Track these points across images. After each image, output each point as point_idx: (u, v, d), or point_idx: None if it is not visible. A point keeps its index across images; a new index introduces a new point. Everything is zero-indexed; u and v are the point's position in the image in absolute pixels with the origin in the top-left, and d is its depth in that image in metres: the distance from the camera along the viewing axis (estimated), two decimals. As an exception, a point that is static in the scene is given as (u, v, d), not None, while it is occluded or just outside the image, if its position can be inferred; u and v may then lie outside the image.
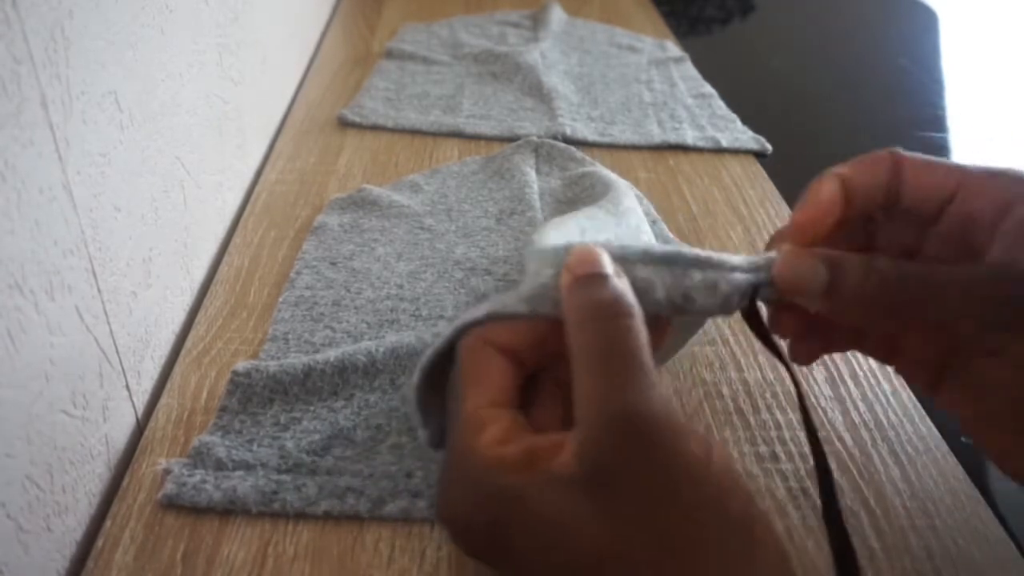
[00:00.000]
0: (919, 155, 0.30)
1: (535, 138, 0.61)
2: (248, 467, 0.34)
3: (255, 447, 0.35)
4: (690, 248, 0.30)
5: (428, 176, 0.57)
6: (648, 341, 0.26)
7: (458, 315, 0.43)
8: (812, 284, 0.28)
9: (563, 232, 0.39)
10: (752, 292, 0.29)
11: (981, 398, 0.29)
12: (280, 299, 0.44)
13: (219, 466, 0.34)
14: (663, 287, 0.28)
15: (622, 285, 0.27)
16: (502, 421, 0.27)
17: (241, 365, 0.38)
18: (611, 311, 0.26)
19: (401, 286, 0.45)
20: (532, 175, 0.57)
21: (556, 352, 0.28)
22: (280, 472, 0.34)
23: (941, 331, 0.29)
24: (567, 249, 0.29)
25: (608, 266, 0.27)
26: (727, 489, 0.23)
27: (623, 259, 0.29)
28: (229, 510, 0.32)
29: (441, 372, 0.30)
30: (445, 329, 0.30)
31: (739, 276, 0.29)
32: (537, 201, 0.54)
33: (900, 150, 0.30)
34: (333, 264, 0.47)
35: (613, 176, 0.54)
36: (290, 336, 0.42)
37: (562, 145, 0.61)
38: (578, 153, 0.60)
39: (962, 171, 0.29)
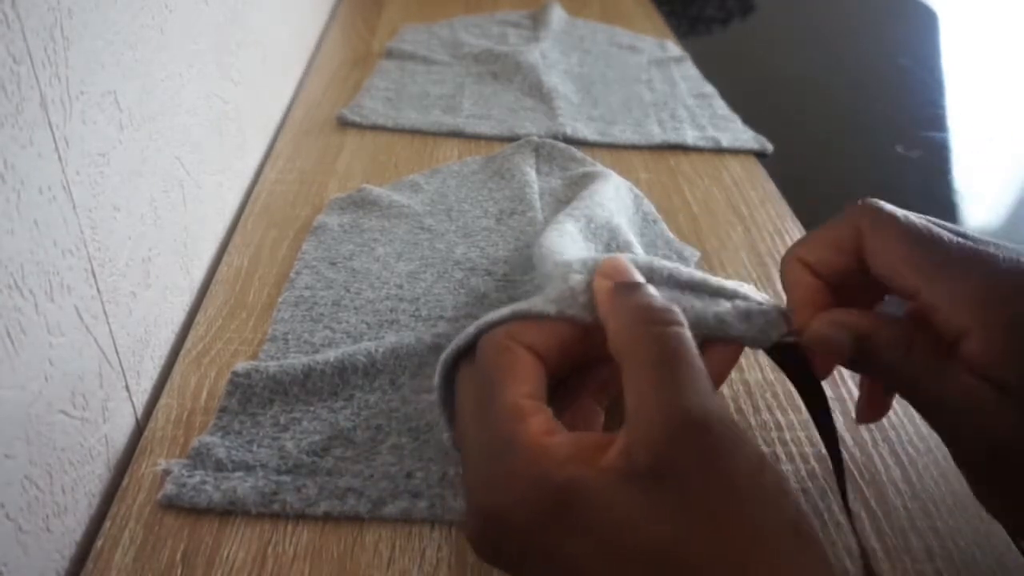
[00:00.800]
0: (891, 227, 0.28)
1: (535, 138, 0.61)
2: (248, 468, 0.34)
3: (255, 448, 0.35)
4: (715, 278, 0.30)
5: (428, 176, 0.57)
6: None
7: (457, 315, 0.43)
8: (839, 348, 0.29)
9: (569, 239, 0.39)
10: (787, 325, 0.30)
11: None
12: (280, 299, 0.44)
13: (219, 467, 0.34)
14: (690, 310, 0.29)
15: (659, 299, 0.27)
16: (544, 412, 0.26)
17: (241, 366, 0.38)
18: (664, 318, 0.26)
19: (401, 286, 0.45)
20: (532, 175, 0.57)
21: (578, 358, 0.28)
22: (280, 473, 0.34)
23: None
24: (595, 259, 0.29)
25: (642, 278, 0.28)
26: (780, 493, 0.24)
27: (649, 277, 0.29)
28: (229, 511, 0.32)
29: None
30: (467, 328, 0.30)
31: (767, 308, 0.30)
32: (537, 201, 0.54)
33: (868, 213, 0.29)
34: (333, 264, 0.47)
35: (612, 175, 0.54)
36: (289, 336, 0.41)
37: (562, 145, 0.60)
38: (578, 153, 0.60)
39: (923, 271, 0.27)
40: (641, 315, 0.26)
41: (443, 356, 0.30)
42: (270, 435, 0.35)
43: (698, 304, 0.29)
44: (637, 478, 0.23)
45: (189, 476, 0.33)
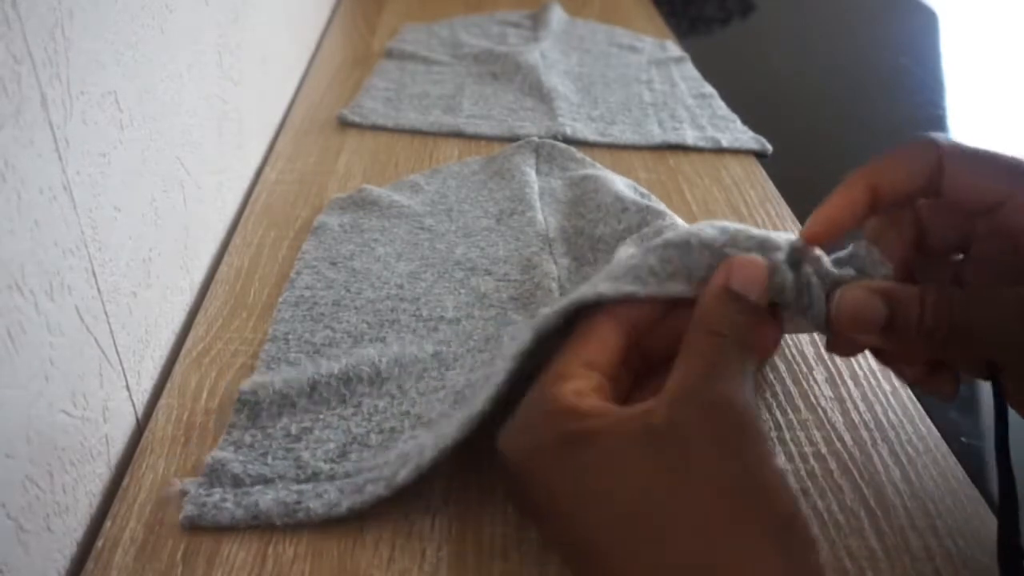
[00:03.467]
0: (967, 149, 0.29)
1: (535, 138, 0.61)
2: (266, 481, 0.33)
3: (270, 460, 0.34)
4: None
5: (428, 176, 0.57)
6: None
7: (458, 315, 0.43)
8: (871, 322, 0.29)
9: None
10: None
11: None
12: (280, 299, 0.44)
13: (236, 482, 0.33)
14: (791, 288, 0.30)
15: (760, 314, 0.29)
16: (588, 379, 0.28)
17: (247, 384, 0.37)
18: (743, 339, 0.28)
19: (401, 286, 0.45)
20: (532, 175, 0.57)
21: (669, 332, 0.30)
22: (299, 482, 0.33)
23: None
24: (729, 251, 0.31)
25: (761, 293, 0.29)
26: (780, 486, 0.25)
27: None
28: (253, 525, 0.32)
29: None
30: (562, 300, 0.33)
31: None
32: (537, 201, 0.54)
33: (943, 141, 0.29)
34: (333, 264, 0.47)
35: (614, 177, 0.54)
36: (290, 336, 0.41)
37: (562, 145, 0.60)
38: (578, 154, 0.60)
39: (1012, 177, 0.28)
40: (726, 326, 0.28)
41: (537, 323, 0.32)
42: (283, 447, 0.35)
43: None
44: (645, 434, 0.25)
45: (208, 495, 0.32)
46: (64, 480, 0.30)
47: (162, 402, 0.38)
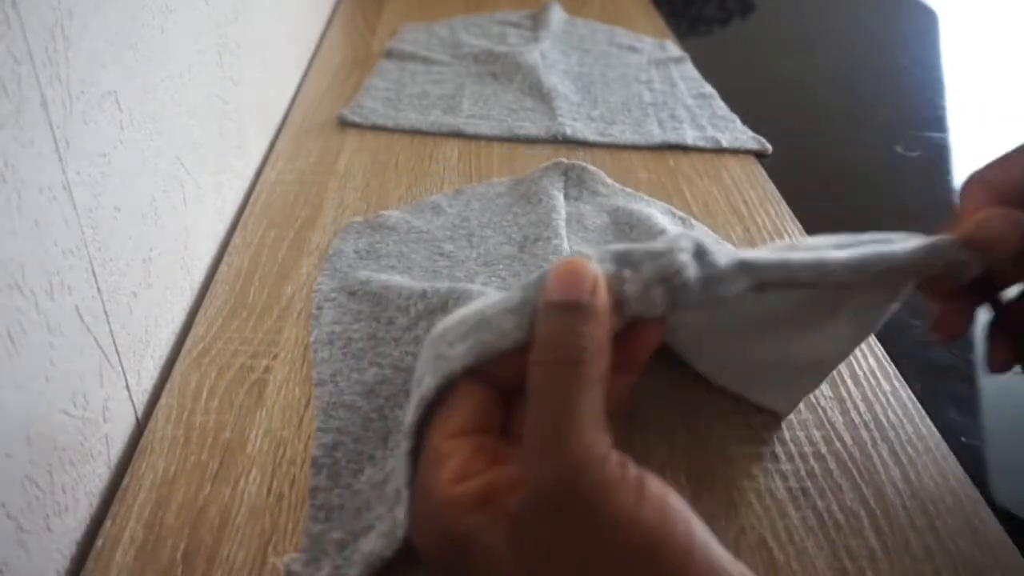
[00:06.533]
0: None
1: (564, 160, 0.58)
2: (368, 528, 0.31)
3: (365, 513, 0.32)
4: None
5: (451, 197, 0.55)
6: (604, 386, 0.26)
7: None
8: (1010, 241, 0.29)
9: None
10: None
11: None
12: (312, 339, 0.42)
13: (342, 545, 0.31)
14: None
15: (596, 321, 0.26)
16: (462, 453, 0.27)
17: (318, 446, 0.36)
18: (571, 356, 0.25)
19: (430, 312, 0.42)
20: (560, 200, 0.54)
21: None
22: (392, 509, 0.31)
23: None
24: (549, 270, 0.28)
25: (591, 287, 0.26)
26: (653, 543, 0.23)
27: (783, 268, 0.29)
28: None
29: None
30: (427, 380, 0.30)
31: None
32: (563, 228, 0.51)
33: None
34: (352, 295, 0.45)
35: (651, 211, 0.52)
36: (338, 378, 0.39)
37: (593, 169, 0.58)
38: (608, 179, 0.58)
39: None
40: (550, 349, 0.26)
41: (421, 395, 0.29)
42: (374, 496, 0.33)
43: (847, 253, 0.30)
44: (519, 525, 0.24)
45: (317, 570, 0.30)
46: (64, 480, 0.30)
47: (162, 402, 0.38)
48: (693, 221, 0.53)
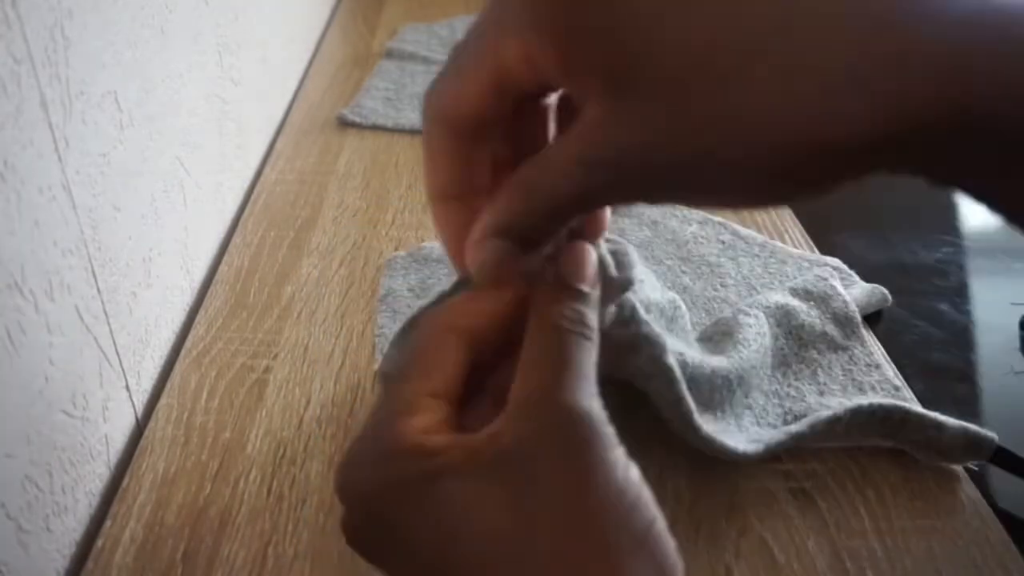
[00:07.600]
0: None
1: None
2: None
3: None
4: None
5: None
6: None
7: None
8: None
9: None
10: None
11: None
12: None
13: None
14: None
15: (593, 304, 0.28)
16: (436, 413, 0.27)
17: None
18: (583, 330, 0.26)
19: None
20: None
21: (513, 339, 0.28)
22: None
23: None
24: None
25: (592, 281, 0.28)
26: (634, 503, 0.23)
27: None
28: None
29: None
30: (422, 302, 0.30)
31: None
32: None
33: None
34: None
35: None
36: None
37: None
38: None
39: None
40: (566, 319, 0.27)
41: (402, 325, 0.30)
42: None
43: None
44: (495, 462, 0.24)
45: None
46: (64, 480, 0.30)
47: (162, 402, 0.38)
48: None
